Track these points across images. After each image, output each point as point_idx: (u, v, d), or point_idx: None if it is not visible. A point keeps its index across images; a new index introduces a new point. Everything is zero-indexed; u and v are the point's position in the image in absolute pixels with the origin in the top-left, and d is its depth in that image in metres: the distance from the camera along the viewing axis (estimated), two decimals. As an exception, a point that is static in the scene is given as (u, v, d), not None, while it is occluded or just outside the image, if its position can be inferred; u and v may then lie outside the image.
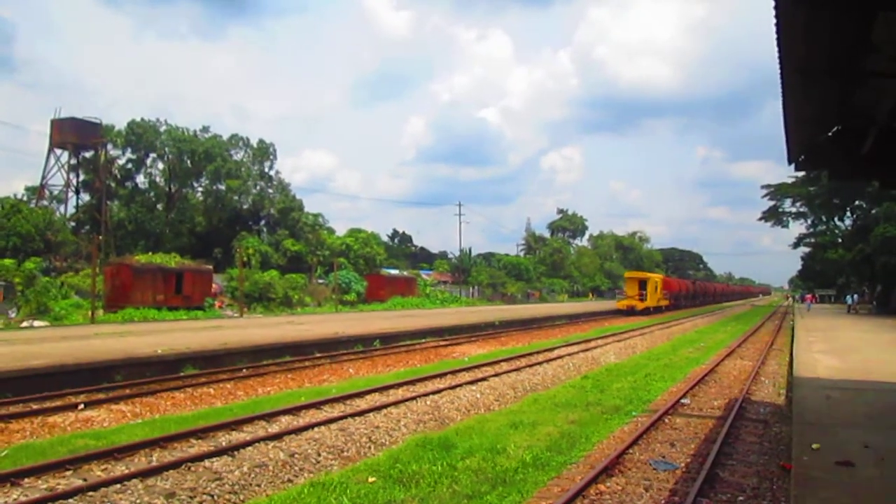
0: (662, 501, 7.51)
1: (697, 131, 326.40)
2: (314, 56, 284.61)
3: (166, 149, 61.58)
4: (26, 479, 7.45)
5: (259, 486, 7.97)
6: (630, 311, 51.18)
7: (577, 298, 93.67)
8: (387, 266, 72.74)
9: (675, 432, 11.03)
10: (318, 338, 22.15)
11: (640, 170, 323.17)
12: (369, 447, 9.92)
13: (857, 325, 30.84)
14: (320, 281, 57.63)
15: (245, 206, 65.30)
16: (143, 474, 7.61)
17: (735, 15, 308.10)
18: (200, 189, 65.65)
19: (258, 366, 17.91)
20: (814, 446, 7.05)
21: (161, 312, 34.90)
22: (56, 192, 58.66)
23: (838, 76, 6.27)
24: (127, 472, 7.70)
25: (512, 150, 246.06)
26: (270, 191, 66.80)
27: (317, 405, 11.83)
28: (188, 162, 61.75)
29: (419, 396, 12.87)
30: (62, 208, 57.97)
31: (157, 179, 64.17)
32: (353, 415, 11.08)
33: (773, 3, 4.83)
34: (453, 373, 16.21)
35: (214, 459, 8.37)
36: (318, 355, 20.24)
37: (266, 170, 67.00)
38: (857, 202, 60.83)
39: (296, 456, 8.91)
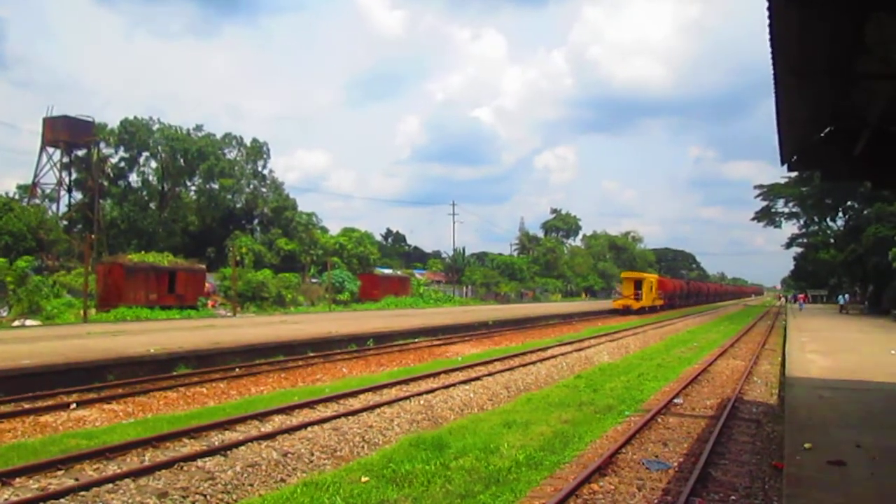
0: (655, 501, 7.52)
1: (691, 131, 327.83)
2: (309, 55, 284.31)
3: (159, 147, 61.23)
4: (17, 479, 7.41)
5: (252, 485, 7.95)
6: (626, 311, 51.38)
7: (570, 298, 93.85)
8: (380, 265, 72.70)
9: (668, 432, 11.05)
10: (312, 337, 22.12)
11: (633, 169, 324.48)
12: (363, 447, 9.90)
13: (849, 325, 31.02)
14: (314, 280, 57.52)
15: (238, 206, 65.05)
16: (136, 474, 7.58)
17: (729, 15, 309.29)
18: (193, 188, 65.32)
19: (251, 365, 17.86)
20: (806, 446, 7.09)
21: (154, 312, 34.78)
22: (48, 191, 58.35)
23: (831, 77, 6.30)
24: (119, 471, 7.67)
25: (506, 150, 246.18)
26: (264, 190, 66.58)
27: (310, 404, 11.81)
28: (181, 161, 61.40)
29: (413, 396, 12.86)
30: (54, 207, 57.66)
31: (150, 178, 63.78)
32: (346, 414, 11.06)
33: (766, 4, 4.85)
34: (447, 372, 16.21)
35: (207, 459, 8.34)
36: (312, 355, 20.20)
37: (259, 169, 66.74)
38: (849, 203, 61.20)
39: (289, 455, 8.89)
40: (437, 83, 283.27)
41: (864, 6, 5.11)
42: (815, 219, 69.17)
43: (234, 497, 7.59)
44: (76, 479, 7.42)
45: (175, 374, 16.06)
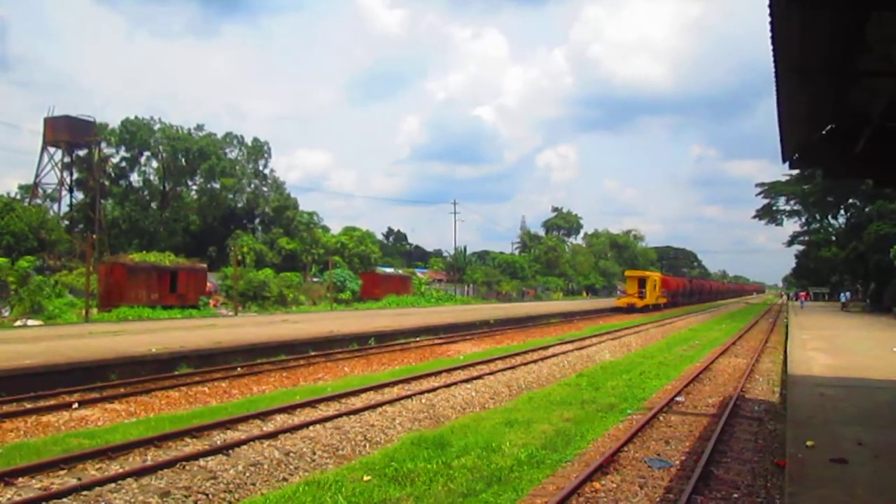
0: (657, 499, 7.52)
1: (692, 130, 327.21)
2: (309, 55, 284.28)
3: (160, 147, 61.27)
4: (20, 479, 7.43)
5: (254, 484, 7.96)
6: (630, 309, 51.36)
7: (571, 297, 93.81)
8: (382, 264, 72.74)
9: (670, 430, 11.05)
10: (313, 336, 22.13)
11: (634, 168, 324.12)
12: (364, 445, 9.91)
13: (850, 323, 31.01)
14: (315, 279, 57.53)
15: (239, 205, 65.11)
16: (138, 473, 7.58)
17: (730, 14, 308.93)
18: (195, 187, 65.38)
19: (253, 364, 17.87)
20: (808, 443, 7.10)
21: (155, 311, 34.81)
22: (50, 191, 58.39)
23: (832, 75, 6.30)
24: (121, 471, 7.68)
25: (507, 148, 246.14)
26: (265, 189, 66.62)
27: (312, 404, 11.82)
28: (182, 160, 61.45)
29: (414, 395, 12.86)
30: (56, 207, 57.70)
31: (152, 178, 63.85)
32: (348, 413, 11.07)
33: (767, 3, 4.84)
34: (448, 371, 16.21)
35: (209, 458, 8.35)
36: (313, 354, 20.21)
37: (261, 168, 66.81)
38: (850, 200, 61.13)
39: (291, 454, 8.90)
40: (438, 82, 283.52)
41: (866, 4, 5.11)
42: (817, 216, 69.08)
43: (237, 496, 7.60)
44: (78, 479, 7.43)
45: (177, 373, 16.07)
